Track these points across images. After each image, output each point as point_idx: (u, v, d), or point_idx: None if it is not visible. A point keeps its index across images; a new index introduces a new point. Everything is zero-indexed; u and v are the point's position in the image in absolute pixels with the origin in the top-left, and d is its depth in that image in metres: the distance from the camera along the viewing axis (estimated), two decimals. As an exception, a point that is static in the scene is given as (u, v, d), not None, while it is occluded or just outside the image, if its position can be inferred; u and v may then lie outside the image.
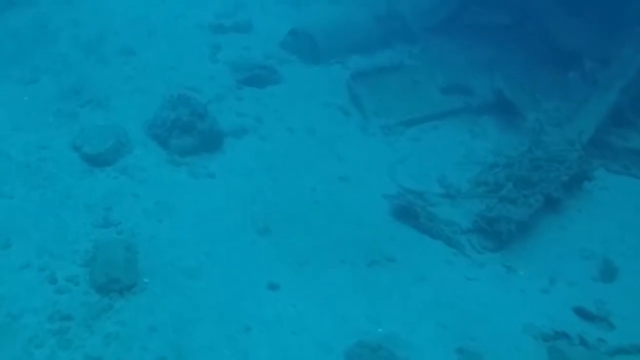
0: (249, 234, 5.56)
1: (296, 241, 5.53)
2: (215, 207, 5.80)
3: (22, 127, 6.42)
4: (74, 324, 4.69)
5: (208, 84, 7.33)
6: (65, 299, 4.85)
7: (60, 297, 4.86)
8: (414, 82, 7.52)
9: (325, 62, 7.89)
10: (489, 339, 4.93)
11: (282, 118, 6.95)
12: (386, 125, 6.88)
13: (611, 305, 5.25)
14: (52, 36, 7.88)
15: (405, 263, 5.47)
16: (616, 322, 5.14)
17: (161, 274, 5.13)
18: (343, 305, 5.07)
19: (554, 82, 7.45)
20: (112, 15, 8.38)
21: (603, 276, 5.55)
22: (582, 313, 5.19)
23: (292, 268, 5.32)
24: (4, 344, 4.54)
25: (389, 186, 6.17)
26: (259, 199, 5.91)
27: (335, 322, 4.94)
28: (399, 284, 5.30)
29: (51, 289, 4.91)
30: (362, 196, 6.06)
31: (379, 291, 5.22)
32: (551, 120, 6.92)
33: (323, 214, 5.84)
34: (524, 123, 6.96)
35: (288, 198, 5.95)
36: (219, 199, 5.89)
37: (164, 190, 5.89)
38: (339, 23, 8.33)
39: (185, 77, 7.36)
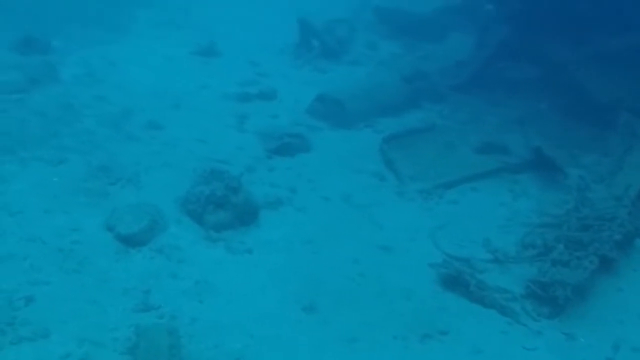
0: (294, 312, 5.33)
1: (343, 317, 5.29)
2: (257, 284, 5.58)
3: (53, 209, 6.26)
4: (119, 419, 4.44)
5: (237, 155, 7.23)
6: (108, 391, 4.61)
7: (103, 389, 4.62)
8: (448, 143, 7.39)
9: (355, 127, 7.82)
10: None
11: (316, 187, 6.81)
12: (424, 190, 6.71)
13: (681, 371, 4.99)
14: (78, 114, 7.83)
15: (459, 336, 5.21)
16: (687, 389, 4.87)
17: (206, 359, 4.89)
18: (398, 384, 4.82)
19: (590, 136, 7.31)
20: (136, 89, 8.40)
21: (669, 340, 5.27)
22: (650, 381, 4.93)
23: (341, 346, 5.06)
24: None
25: (433, 253, 5.95)
26: (300, 273, 5.70)
27: (391, 403, 4.69)
28: (455, 358, 5.04)
29: (93, 381, 4.67)
30: (406, 266, 5.84)
31: (434, 367, 4.97)
32: (593, 175, 6.76)
33: (368, 287, 5.61)
34: (566, 180, 6.78)
35: (331, 272, 5.73)
36: (259, 276, 5.67)
37: (202, 268, 5.68)
38: (366, 86, 8.30)
39: (213, 150, 7.28)
